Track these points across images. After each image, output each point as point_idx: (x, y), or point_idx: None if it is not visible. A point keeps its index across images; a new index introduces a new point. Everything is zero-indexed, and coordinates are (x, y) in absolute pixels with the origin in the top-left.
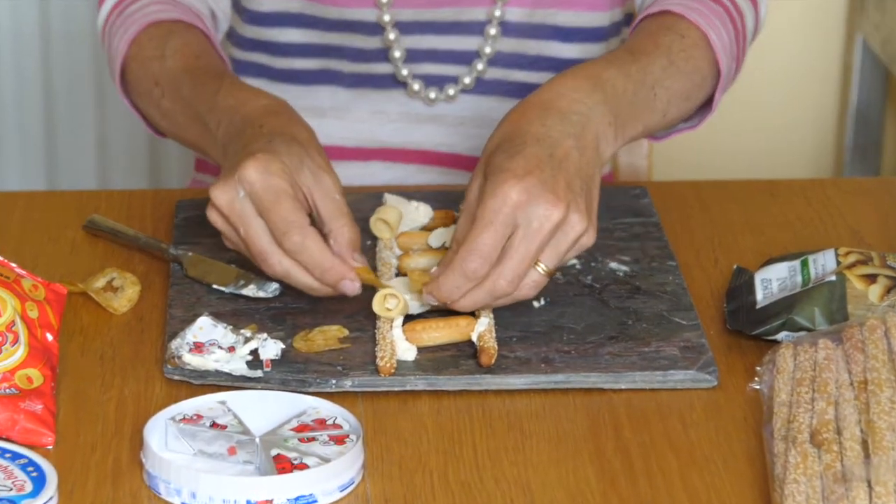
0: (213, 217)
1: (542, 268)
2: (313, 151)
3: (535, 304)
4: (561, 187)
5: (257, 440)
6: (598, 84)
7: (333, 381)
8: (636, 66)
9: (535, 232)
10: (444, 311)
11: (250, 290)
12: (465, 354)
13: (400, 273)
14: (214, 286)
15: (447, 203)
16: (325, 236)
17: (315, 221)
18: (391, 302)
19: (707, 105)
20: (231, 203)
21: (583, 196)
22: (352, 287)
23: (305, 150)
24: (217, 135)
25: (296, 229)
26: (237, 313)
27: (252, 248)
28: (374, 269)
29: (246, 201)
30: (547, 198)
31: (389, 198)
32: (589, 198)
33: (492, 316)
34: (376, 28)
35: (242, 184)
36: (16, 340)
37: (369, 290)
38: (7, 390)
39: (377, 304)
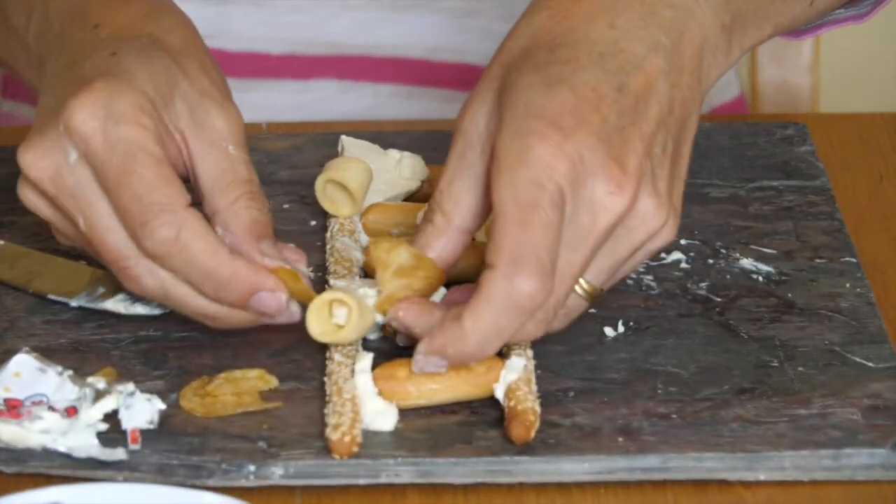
0: (30, 198)
1: (581, 287)
2: (191, 65)
3: (609, 331)
4: (632, 152)
5: None
6: None
7: (252, 469)
8: None
9: (585, 230)
10: None
11: (118, 303)
12: (483, 421)
13: (367, 275)
14: (51, 296)
15: None
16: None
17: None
18: (338, 312)
19: None
20: (56, 174)
21: (665, 163)
22: (274, 301)
23: (178, 66)
24: (28, 37)
25: (161, 217)
26: (81, 347)
27: (102, 252)
28: (323, 270)
29: (81, 169)
30: (609, 173)
31: (349, 144)
32: (672, 166)
33: (530, 354)
34: None
35: (72, 139)
36: None
37: None
38: None
39: (315, 319)
